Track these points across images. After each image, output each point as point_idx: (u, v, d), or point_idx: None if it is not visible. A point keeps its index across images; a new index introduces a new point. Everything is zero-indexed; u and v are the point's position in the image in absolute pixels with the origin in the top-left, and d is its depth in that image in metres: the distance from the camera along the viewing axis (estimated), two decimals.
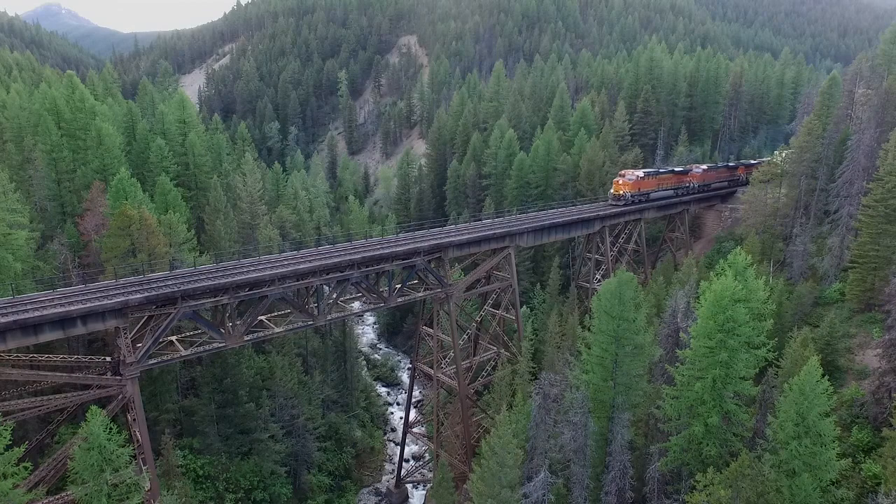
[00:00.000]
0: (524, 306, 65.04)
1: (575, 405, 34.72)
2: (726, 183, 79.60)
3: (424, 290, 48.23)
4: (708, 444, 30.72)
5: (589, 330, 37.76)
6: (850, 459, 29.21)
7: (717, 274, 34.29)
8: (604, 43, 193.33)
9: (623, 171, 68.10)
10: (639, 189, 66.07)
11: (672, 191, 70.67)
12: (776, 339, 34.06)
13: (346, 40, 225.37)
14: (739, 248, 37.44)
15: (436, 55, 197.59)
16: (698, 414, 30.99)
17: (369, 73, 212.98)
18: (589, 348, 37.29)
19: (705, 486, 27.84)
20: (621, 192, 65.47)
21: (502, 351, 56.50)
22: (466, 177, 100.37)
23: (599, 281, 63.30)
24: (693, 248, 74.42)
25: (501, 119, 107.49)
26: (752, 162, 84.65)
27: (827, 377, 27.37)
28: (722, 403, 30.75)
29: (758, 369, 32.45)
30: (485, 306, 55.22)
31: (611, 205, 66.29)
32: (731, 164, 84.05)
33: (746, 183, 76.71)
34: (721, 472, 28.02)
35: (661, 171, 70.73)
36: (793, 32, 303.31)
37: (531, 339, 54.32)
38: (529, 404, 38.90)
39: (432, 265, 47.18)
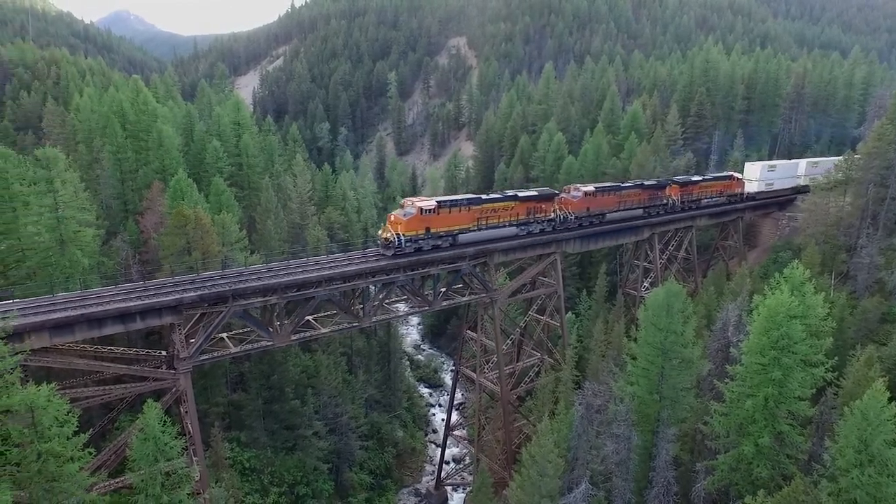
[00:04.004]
0: (569, 312, 64.14)
1: (619, 417, 34.06)
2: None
3: (469, 294, 48.28)
4: (759, 465, 29.52)
5: (635, 340, 36.96)
6: None
7: (771, 287, 32.90)
8: (657, 44, 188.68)
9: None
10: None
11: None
12: (836, 357, 32.35)
13: (396, 42, 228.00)
14: (797, 261, 35.72)
15: (485, 56, 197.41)
16: (749, 433, 29.83)
17: (418, 75, 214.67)
18: (634, 359, 36.52)
19: None
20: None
21: (546, 357, 55.94)
22: (514, 179, 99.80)
23: (647, 289, 61.84)
24: (747, 258, 71.70)
25: (550, 122, 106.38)
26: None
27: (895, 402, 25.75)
28: (774, 423, 29.48)
29: (815, 389, 30.96)
30: (529, 312, 54.78)
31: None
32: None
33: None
34: (773, 496, 26.87)
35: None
36: (865, 28, 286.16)
37: (575, 347, 53.63)
38: (572, 413, 38.38)
39: (478, 269, 47.21)
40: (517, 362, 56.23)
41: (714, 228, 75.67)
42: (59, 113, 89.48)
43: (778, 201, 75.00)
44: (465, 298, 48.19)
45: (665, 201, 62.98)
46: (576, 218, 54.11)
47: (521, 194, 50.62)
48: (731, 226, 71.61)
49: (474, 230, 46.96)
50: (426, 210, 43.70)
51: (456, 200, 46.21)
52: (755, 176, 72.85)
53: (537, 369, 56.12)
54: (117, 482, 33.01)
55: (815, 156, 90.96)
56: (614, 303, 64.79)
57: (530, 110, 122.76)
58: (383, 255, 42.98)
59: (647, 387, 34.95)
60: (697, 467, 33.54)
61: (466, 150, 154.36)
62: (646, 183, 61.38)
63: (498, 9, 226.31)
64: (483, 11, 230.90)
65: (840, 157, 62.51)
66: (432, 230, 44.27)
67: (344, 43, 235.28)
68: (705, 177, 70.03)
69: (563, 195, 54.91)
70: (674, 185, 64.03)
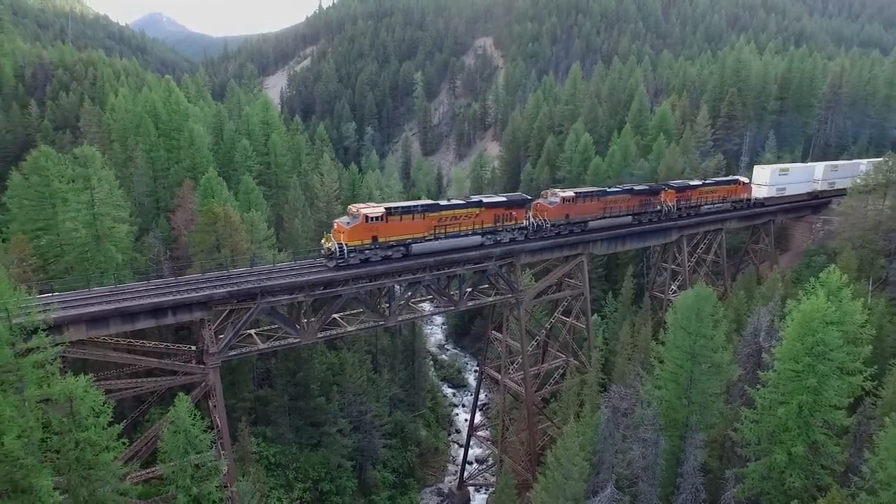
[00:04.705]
0: (595, 315, 63.46)
1: (646, 421, 33.61)
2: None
3: (495, 294, 48.17)
4: (792, 475, 28.77)
5: (662, 344, 36.43)
6: None
7: (806, 292, 32.08)
8: (686, 43, 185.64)
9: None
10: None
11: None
12: (876, 366, 31.36)
13: (422, 42, 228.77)
14: (833, 266, 34.78)
15: (511, 57, 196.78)
16: (781, 441, 29.11)
17: (444, 75, 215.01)
18: (662, 363, 35.99)
19: None
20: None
21: (571, 360, 55.49)
22: (540, 180, 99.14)
23: (675, 292, 60.88)
24: (778, 261, 70.05)
25: (577, 122, 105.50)
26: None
27: None
28: (808, 432, 28.72)
29: (853, 398, 30.07)
30: (555, 313, 54.40)
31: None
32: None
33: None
34: None
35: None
36: None
37: (601, 350, 53.10)
38: (597, 416, 38.04)
39: (504, 270, 47.07)
40: (542, 364, 55.89)
41: (744, 231, 74.14)
42: (95, 113, 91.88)
43: (792, 208, 70.51)
44: (490, 299, 48.08)
45: (658, 208, 58.47)
46: (552, 226, 50.02)
47: (486, 200, 46.46)
48: (762, 229, 70.01)
49: (430, 239, 42.83)
50: (372, 217, 40.12)
51: (409, 207, 42.40)
52: (764, 180, 68.07)
53: (562, 371, 55.69)
54: (148, 473, 33.78)
55: (851, 157, 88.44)
56: (641, 305, 63.93)
57: (557, 111, 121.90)
58: (325, 266, 39.98)
59: (676, 391, 34.43)
60: (727, 475, 32.90)
61: (492, 150, 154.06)
62: (635, 188, 57.07)
63: (525, 8, 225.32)
64: (510, 11, 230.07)
65: (868, 160, 60.38)
66: (380, 239, 40.69)
67: (371, 43, 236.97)
68: (705, 181, 65.15)
69: (539, 201, 51.69)
70: (669, 191, 59.68)
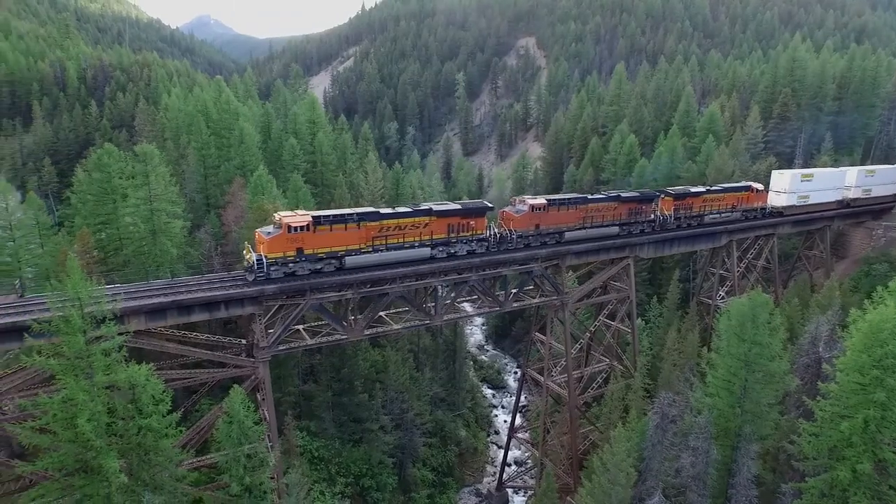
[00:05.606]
0: (639, 319, 62.34)
1: (697, 429, 32.75)
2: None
3: (540, 296, 47.84)
4: (856, 494, 27.40)
5: (717, 351, 35.44)
6: None
7: (873, 302, 30.66)
8: (736, 42, 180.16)
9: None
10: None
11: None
12: None
13: (464, 42, 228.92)
14: None
15: (554, 57, 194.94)
16: (844, 457, 27.81)
17: (486, 75, 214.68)
18: (713, 369, 35.02)
19: None
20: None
21: (615, 364, 54.61)
22: (583, 182, 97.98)
23: (723, 298, 59.23)
24: (834, 269, 67.31)
25: (622, 123, 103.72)
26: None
27: None
28: (876, 449, 27.35)
29: None
30: (599, 317, 53.65)
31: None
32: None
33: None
34: None
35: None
36: None
37: (647, 355, 52.10)
38: (644, 422, 37.31)
39: (549, 272, 46.68)
40: (585, 367, 55.25)
41: (797, 237, 71.48)
42: (149, 112, 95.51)
43: (810, 219, 64.62)
44: (536, 300, 47.78)
45: (651, 217, 53.23)
46: (519, 237, 45.54)
47: (437, 208, 41.70)
48: (816, 234, 67.34)
49: (367, 252, 38.92)
50: (296, 227, 36.39)
51: (341, 215, 38.40)
52: (784, 187, 62.08)
53: (605, 375, 54.91)
54: (200, 460, 34.84)
55: None
56: (687, 311, 62.46)
57: (601, 112, 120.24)
58: (244, 279, 36.86)
59: (728, 399, 33.41)
60: (783, 489, 31.70)
61: (534, 151, 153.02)
62: (623, 195, 51.78)
63: (568, 8, 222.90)
64: (553, 11, 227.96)
65: None
66: (307, 251, 37.02)
67: (413, 44, 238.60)
68: (710, 188, 59.31)
69: (506, 209, 47.98)
70: (666, 198, 54.78)
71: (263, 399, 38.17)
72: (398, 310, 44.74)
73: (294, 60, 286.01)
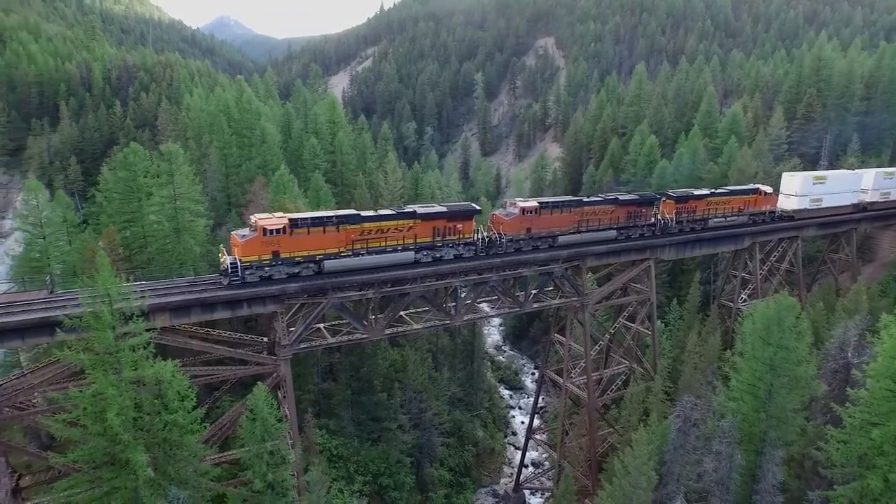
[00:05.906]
0: (658, 321, 61.74)
1: (720, 433, 32.34)
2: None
3: (560, 297, 47.63)
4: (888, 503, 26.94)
5: (741, 355, 34.95)
6: None
7: None
8: (758, 42, 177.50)
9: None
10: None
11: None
12: None
13: (483, 43, 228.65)
14: None
15: (573, 57, 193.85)
16: (875, 466, 27.25)
17: (505, 76, 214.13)
18: (737, 373, 34.54)
19: None
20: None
21: (635, 366, 54.15)
22: (603, 183, 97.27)
23: (745, 301, 58.42)
24: (861, 272, 65.99)
25: (642, 124, 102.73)
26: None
27: None
28: None
29: None
30: (619, 318, 53.25)
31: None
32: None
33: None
34: None
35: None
36: None
37: (667, 357, 51.59)
38: (665, 425, 36.92)
39: (569, 273, 46.45)
40: (604, 369, 54.84)
41: (822, 240, 70.18)
42: (172, 112, 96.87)
43: (827, 223, 62.28)
44: (556, 301, 47.58)
45: (652, 220, 51.71)
46: (510, 241, 44.30)
47: (421, 210, 41.07)
48: (842, 237, 66.05)
49: (347, 255, 38.29)
50: (271, 230, 35.60)
51: (320, 218, 37.72)
52: (795, 190, 59.64)
53: (625, 377, 54.46)
54: (223, 456, 35.26)
55: None
56: (707, 313, 61.67)
57: (621, 112, 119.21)
58: (220, 282, 36.23)
59: (753, 404, 32.91)
60: (810, 496, 31.12)
61: (552, 151, 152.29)
62: (622, 198, 50.59)
63: (587, 8, 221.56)
64: (572, 11, 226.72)
65: None
66: (283, 254, 36.46)
67: (431, 44, 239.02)
68: (715, 190, 57.55)
69: (496, 212, 47.12)
70: (667, 201, 53.33)
71: (284, 397, 38.48)
72: (418, 310, 44.83)
73: (313, 60, 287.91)
